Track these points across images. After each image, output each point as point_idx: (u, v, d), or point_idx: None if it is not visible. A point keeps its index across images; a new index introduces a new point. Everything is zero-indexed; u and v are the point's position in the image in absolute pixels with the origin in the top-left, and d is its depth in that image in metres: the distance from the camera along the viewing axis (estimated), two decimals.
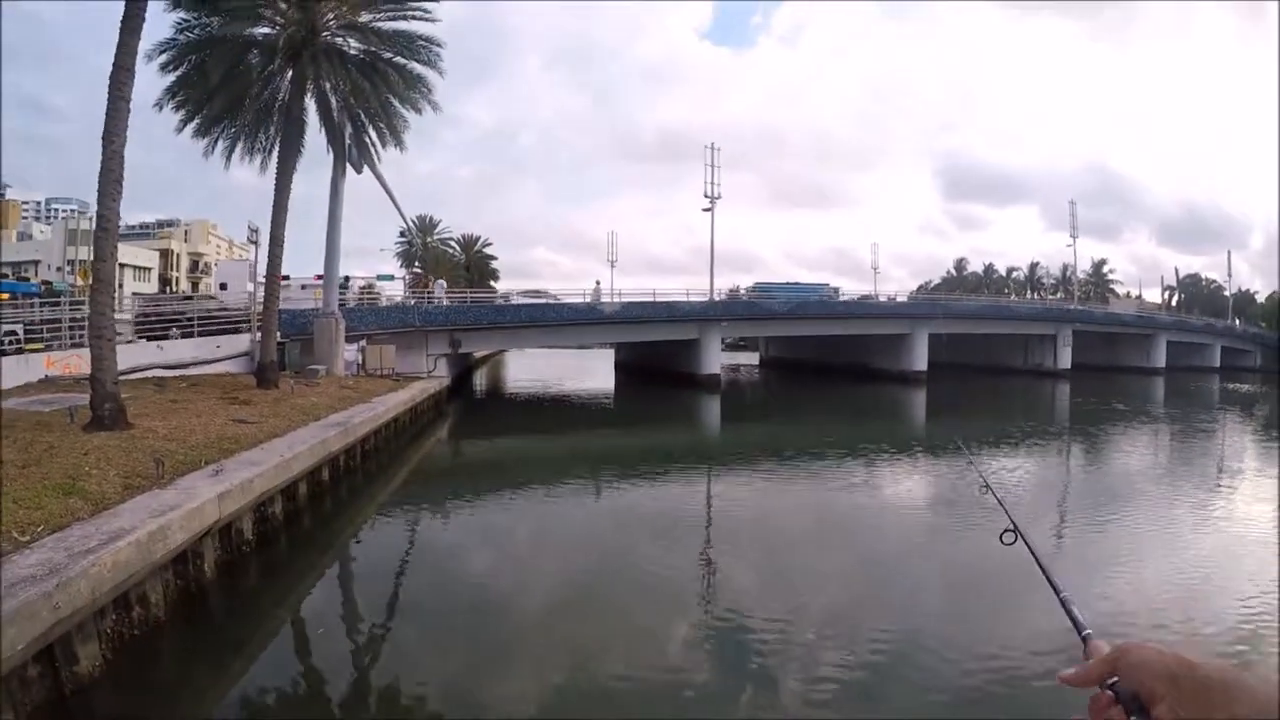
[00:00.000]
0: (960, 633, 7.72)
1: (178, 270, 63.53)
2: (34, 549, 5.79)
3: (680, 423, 28.29)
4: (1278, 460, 20.81)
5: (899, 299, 52.82)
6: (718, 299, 42.07)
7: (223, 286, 29.69)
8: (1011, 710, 6.07)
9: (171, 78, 18.53)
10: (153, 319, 23.04)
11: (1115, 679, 0.75)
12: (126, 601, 6.44)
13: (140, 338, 20.52)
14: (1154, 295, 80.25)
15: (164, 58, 18.09)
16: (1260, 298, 75.70)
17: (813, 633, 7.83)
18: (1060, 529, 13.71)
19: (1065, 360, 49.59)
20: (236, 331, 23.54)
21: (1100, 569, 10.39)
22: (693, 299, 40.27)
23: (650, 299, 39.02)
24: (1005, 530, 1.82)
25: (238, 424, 12.22)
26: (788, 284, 55.07)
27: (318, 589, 9.39)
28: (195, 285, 61.56)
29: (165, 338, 21.00)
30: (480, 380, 46.21)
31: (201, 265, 65.69)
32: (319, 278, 27.73)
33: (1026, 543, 1.66)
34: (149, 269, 56.17)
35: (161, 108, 18.80)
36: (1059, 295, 75.00)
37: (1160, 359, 54.87)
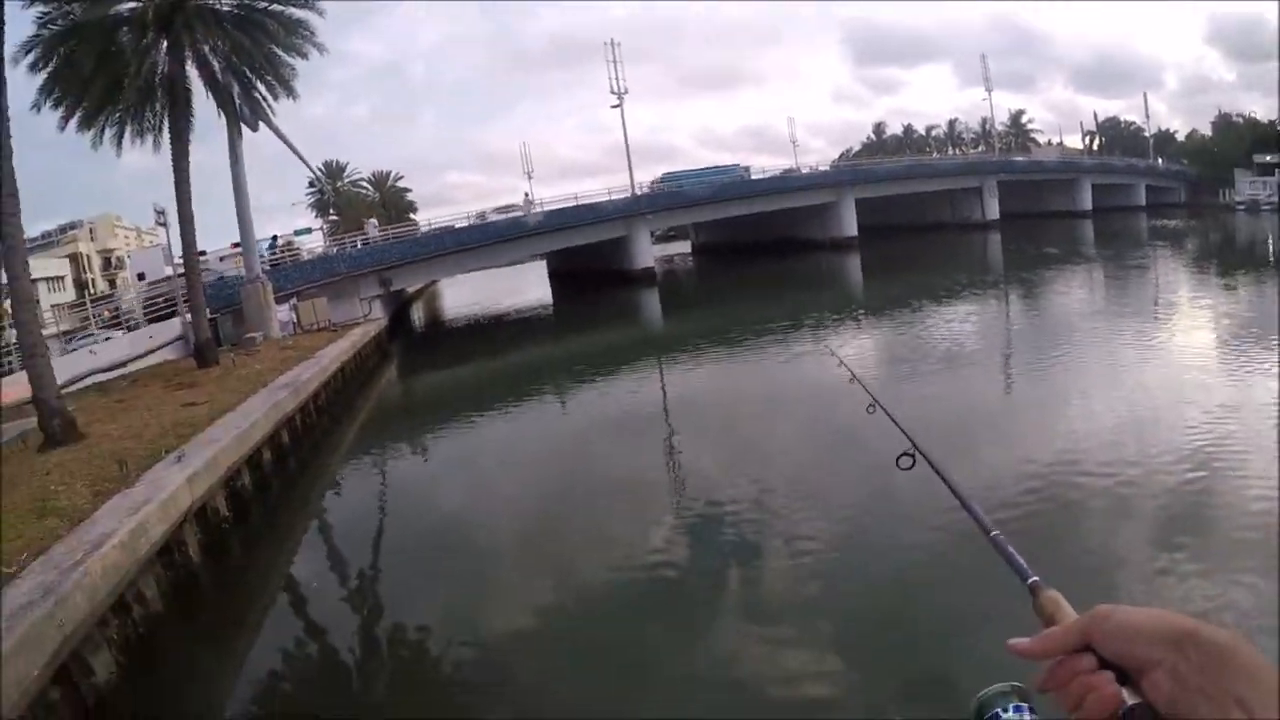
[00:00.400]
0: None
1: (91, 271, 59.39)
2: (24, 577, 5.68)
3: (622, 321, 28.40)
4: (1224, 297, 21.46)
5: (821, 169, 52.78)
6: (640, 194, 41.52)
7: (140, 276, 28.10)
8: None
9: (43, 76, 16.87)
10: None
11: (1088, 648, 0.60)
12: (124, 604, 6.41)
13: (70, 349, 19.54)
14: (1075, 141, 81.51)
15: (30, 57, 16.38)
16: (1180, 136, 77.04)
17: (783, 507, 8.24)
18: (1008, 370, 14.40)
19: (993, 211, 50.75)
20: (165, 318, 22.50)
21: (1052, 406, 10.99)
22: (615, 198, 39.71)
23: (574, 204, 38.40)
24: (902, 454, 1.61)
25: (189, 407, 11.90)
26: (698, 170, 54.46)
27: (301, 550, 9.45)
28: (112, 282, 57.92)
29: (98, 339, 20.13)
30: (418, 314, 45.36)
31: (114, 260, 61.65)
32: (235, 246, 26.48)
33: (932, 463, 1.45)
34: (61, 277, 52.50)
35: (39, 109, 17.13)
36: (980, 149, 75.66)
37: (1086, 202, 56.32)
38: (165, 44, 18.11)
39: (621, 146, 42.81)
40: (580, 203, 38.44)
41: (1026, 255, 35.55)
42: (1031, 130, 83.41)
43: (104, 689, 5.68)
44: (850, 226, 44.57)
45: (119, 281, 54.49)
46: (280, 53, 19.92)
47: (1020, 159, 62.59)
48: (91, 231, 63.88)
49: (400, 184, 69.78)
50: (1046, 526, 6.95)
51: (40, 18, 16.47)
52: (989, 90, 60.51)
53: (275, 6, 19.56)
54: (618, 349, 21.28)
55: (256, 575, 8.67)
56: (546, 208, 38.61)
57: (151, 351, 19.93)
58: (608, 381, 16.95)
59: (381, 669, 6.36)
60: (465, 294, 50.64)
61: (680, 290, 40.48)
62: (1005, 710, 0.71)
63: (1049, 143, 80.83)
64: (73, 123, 17.73)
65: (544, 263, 52.43)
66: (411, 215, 60.23)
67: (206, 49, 18.77)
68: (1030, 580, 0.76)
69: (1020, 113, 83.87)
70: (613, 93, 42.38)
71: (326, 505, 11.03)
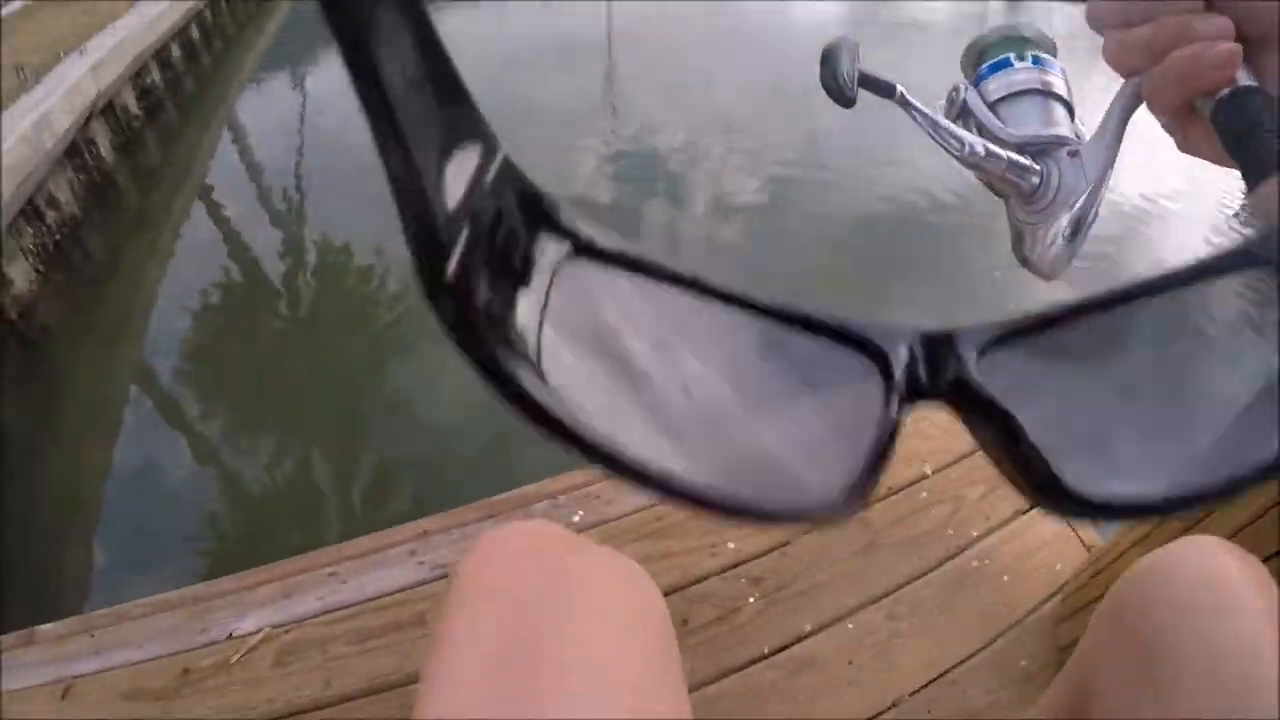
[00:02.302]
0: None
1: None
2: None
3: None
4: None
5: None
6: None
7: None
8: None
9: None
10: None
11: None
12: (38, 209, 5.60)
13: None
14: None
15: None
16: None
17: (721, 146, 7.54)
18: None
19: None
20: None
21: None
22: None
23: None
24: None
25: (87, 15, 9.92)
26: None
27: (219, 155, 8.47)
28: None
29: None
30: None
31: None
32: None
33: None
34: None
35: None
36: None
37: None
38: None
39: None
40: None
41: None
42: None
43: (26, 298, 5.13)
44: None
45: None
46: None
47: None
48: None
49: None
50: None
51: None
52: None
53: None
54: None
55: (173, 173, 7.80)
56: None
57: None
58: None
59: (305, 282, 5.98)
60: None
61: None
62: (1022, 58, 0.45)
63: None
64: None
65: None
66: None
67: None
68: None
69: None
70: None
71: (242, 113, 9.81)
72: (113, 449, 4.31)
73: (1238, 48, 0.32)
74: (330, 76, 10.86)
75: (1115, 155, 0.41)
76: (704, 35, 12.19)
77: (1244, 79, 0.32)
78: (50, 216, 5.81)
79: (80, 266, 5.88)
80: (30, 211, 5.46)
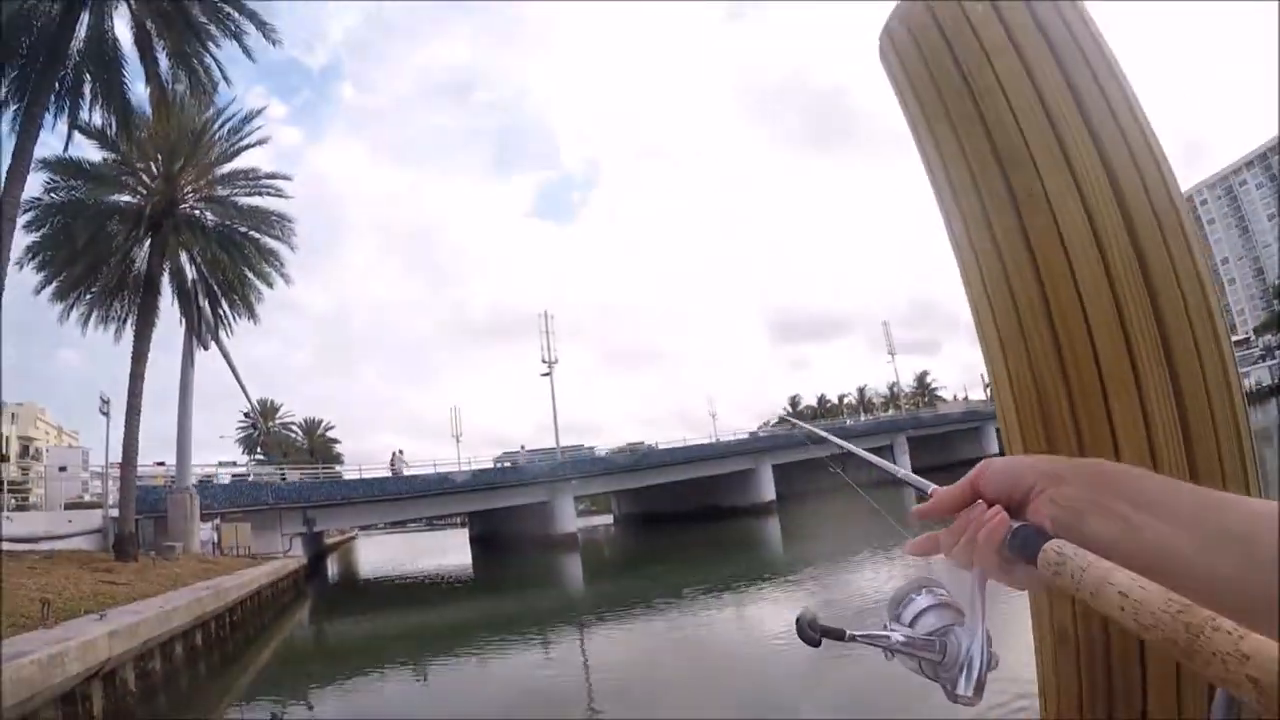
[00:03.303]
0: None
1: (7, 451, 56.73)
2: None
3: (543, 584, 27.38)
4: None
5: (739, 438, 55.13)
6: (564, 460, 42.54)
7: (61, 469, 27.46)
8: None
9: (34, 237, 18.29)
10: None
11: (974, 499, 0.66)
12: None
13: None
14: (979, 393, 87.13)
15: (29, 215, 17.69)
16: None
17: None
18: None
19: (905, 464, 52.94)
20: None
21: None
22: (538, 462, 40.92)
23: (499, 465, 39.11)
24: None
25: (109, 585, 11.45)
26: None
27: None
28: (25, 470, 55.06)
29: None
30: (333, 566, 43.47)
31: (32, 450, 59.36)
32: (158, 464, 26.30)
33: None
34: None
35: (22, 267, 18.02)
36: (889, 410, 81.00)
37: (993, 446, 59.06)
38: (150, 242, 19.53)
39: (549, 421, 44.09)
40: (509, 451, 39.22)
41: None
42: (936, 387, 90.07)
43: None
44: (768, 492, 45.92)
45: (32, 471, 51.44)
46: (251, 276, 21.50)
47: (926, 414, 67.35)
48: (14, 416, 61.33)
49: (330, 434, 70.07)
50: None
51: (48, 184, 18.12)
52: (892, 354, 67.73)
53: (254, 233, 21.42)
54: (539, 611, 20.37)
55: None
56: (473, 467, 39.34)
57: (68, 536, 18.81)
58: (527, 644, 15.73)
59: None
60: (382, 553, 49.00)
61: (601, 555, 39.88)
62: (919, 592, 0.72)
63: (954, 398, 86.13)
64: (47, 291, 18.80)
65: (465, 530, 51.81)
66: (337, 467, 59.98)
67: (184, 256, 20.23)
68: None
69: (925, 373, 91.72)
70: (543, 360, 45.01)
71: None
72: None
73: (1004, 515, 0.61)
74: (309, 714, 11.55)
75: (985, 611, 0.65)
76: (677, 661, 12.85)
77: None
78: None
79: None
80: None
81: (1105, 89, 1.24)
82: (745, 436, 55.87)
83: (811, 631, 0.69)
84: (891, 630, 0.69)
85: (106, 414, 21.42)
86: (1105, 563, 0.51)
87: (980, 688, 0.62)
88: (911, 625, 0.69)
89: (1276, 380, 74.89)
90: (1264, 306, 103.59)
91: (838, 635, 0.69)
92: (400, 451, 44.13)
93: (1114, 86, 1.24)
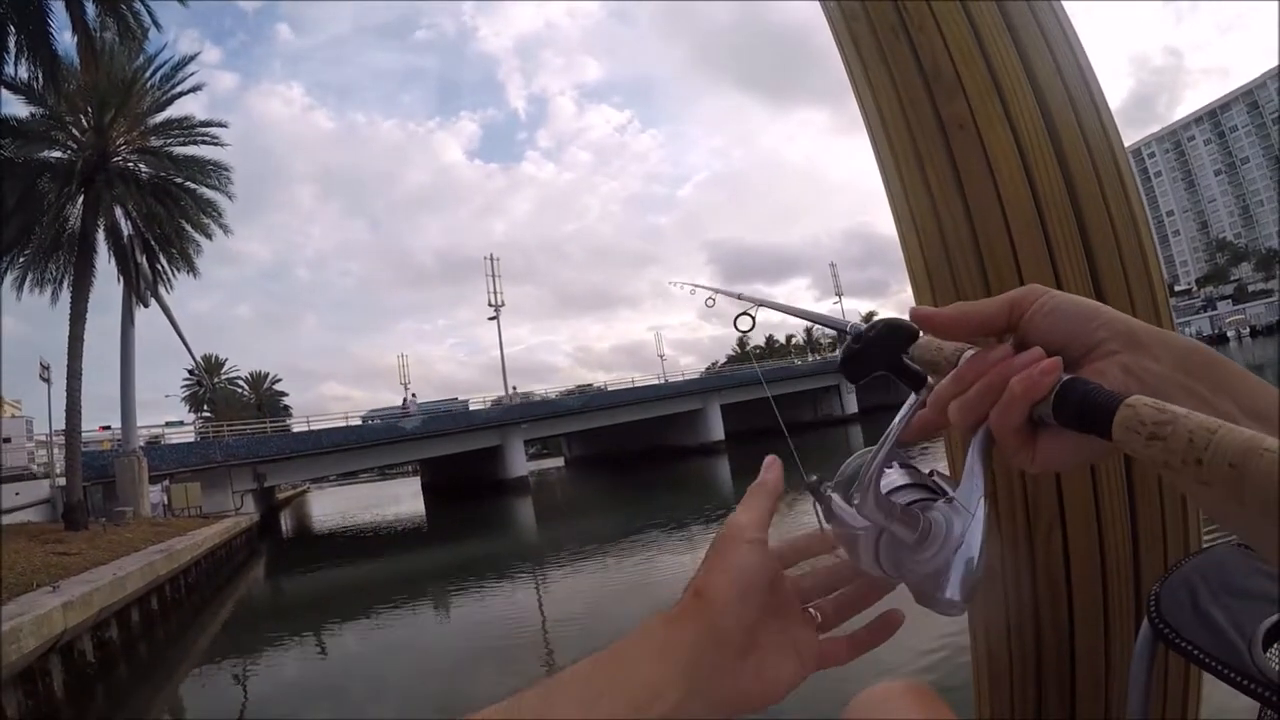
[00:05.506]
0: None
1: None
2: None
3: (496, 529, 27.79)
4: None
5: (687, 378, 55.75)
6: (513, 404, 42.69)
7: (5, 440, 26.73)
8: None
9: None
10: None
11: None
12: None
13: None
14: None
15: None
16: None
17: None
18: None
19: (852, 406, 54.46)
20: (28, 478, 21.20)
21: None
22: (489, 406, 41.03)
23: (450, 401, 38.95)
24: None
25: (60, 555, 11.36)
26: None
27: None
28: None
29: None
30: (286, 521, 43.18)
31: None
32: (104, 428, 25.72)
33: None
34: None
35: None
36: (836, 351, 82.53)
37: None
38: (83, 198, 18.64)
39: (498, 364, 44.44)
40: (453, 397, 39.01)
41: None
42: None
43: None
44: (717, 431, 46.60)
45: None
46: (189, 228, 20.77)
47: None
48: None
49: (277, 387, 68.93)
50: None
51: None
52: (839, 294, 70.56)
53: (190, 184, 20.60)
54: (493, 555, 20.59)
55: None
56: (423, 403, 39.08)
57: (14, 510, 18.48)
58: (484, 589, 15.85)
59: None
60: (335, 506, 48.76)
61: (554, 498, 40.28)
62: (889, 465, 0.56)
63: None
64: None
65: (417, 479, 51.81)
66: (287, 421, 59.22)
67: (119, 211, 19.38)
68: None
69: (872, 313, 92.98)
70: (490, 304, 44.76)
71: (188, 688, 10.17)
72: None
73: (1058, 359, 0.42)
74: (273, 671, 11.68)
75: (984, 487, 0.45)
76: (635, 598, 13.10)
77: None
78: None
79: None
80: None
81: (1043, 25, 1.22)
82: (695, 377, 56.39)
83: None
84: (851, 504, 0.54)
85: (47, 380, 20.82)
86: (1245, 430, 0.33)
87: (972, 591, 0.45)
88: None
89: (1216, 330, 78.63)
90: (1207, 260, 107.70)
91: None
92: (414, 395, 43.94)
93: (1052, 23, 1.23)
